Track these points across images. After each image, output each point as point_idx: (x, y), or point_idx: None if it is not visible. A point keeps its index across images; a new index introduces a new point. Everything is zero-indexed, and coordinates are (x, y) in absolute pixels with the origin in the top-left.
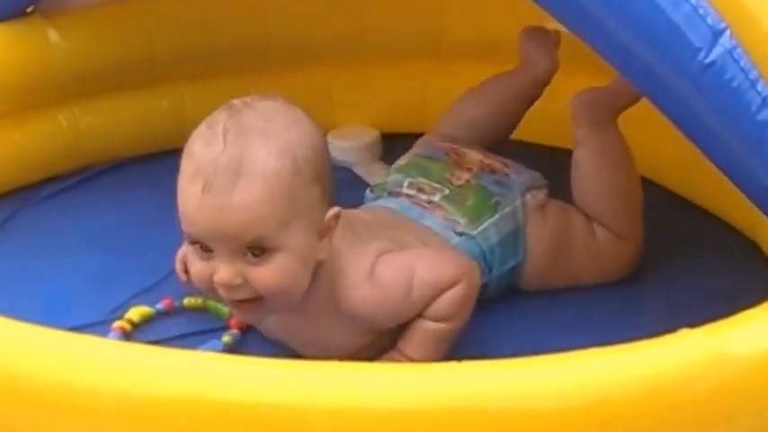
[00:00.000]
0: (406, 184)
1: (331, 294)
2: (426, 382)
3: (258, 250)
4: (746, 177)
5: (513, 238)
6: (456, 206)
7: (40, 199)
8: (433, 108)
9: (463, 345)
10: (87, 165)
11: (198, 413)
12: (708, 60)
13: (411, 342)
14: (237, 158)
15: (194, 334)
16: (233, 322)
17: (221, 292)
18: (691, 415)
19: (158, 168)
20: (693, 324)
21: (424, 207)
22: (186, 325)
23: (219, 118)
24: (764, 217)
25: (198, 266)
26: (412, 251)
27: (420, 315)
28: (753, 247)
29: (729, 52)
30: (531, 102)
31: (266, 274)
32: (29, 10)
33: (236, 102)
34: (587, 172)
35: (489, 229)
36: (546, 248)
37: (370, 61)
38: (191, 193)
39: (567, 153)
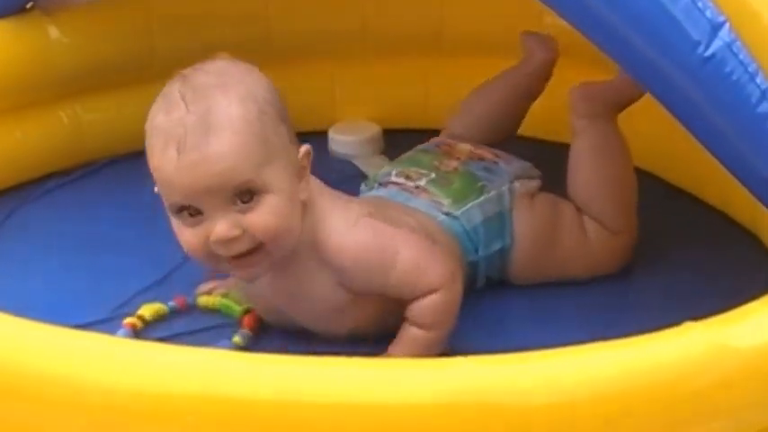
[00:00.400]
0: (394, 173)
1: (313, 243)
2: (430, 376)
3: (247, 195)
4: (746, 169)
5: (499, 222)
6: (441, 188)
7: (41, 195)
8: (435, 103)
9: (462, 338)
10: (88, 161)
11: (205, 410)
12: (707, 54)
13: (400, 348)
14: (203, 114)
15: (205, 329)
16: (246, 321)
17: (220, 250)
18: (694, 408)
19: None
20: (695, 317)
21: (411, 192)
22: (196, 323)
23: (173, 87)
24: (764, 209)
25: (189, 235)
26: (404, 232)
27: (405, 319)
28: (753, 239)
29: (728, 45)
30: (535, 95)
31: (261, 216)
32: (29, 6)
33: (185, 70)
34: (583, 163)
35: (473, 209)
36: (534, 236)
37: (372, 57)
38: (166, 160)
39: (566, 147)
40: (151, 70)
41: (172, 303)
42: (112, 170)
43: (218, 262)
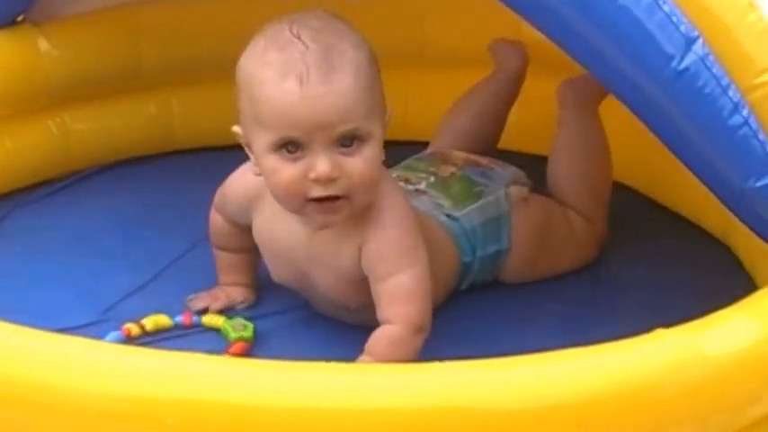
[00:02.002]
0: (393, 177)
1: (366, 210)
2: (407, 381)
3: (350, 140)
4: (719, 181)
5: (497, 225)
6: (440, 191)
7: (30, 202)
8: (415, 115)
9: (443, 344)
10: (77, 169)
11: (185, 413)
12: (681, 67)
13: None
14: (325, 51)
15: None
16: (233, 349)
17: (316, 189)
18: (666, 413)
19: (146, 172)
20: (668, 324)
21: (411, 194)
22: (185, 340)
23: (281, 27)
24: (736, 220)
25: (288, 171)
26: (425, 259)
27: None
28: (725, 250)
29: (702, 59)
30: (512, 101)
31: (360, 162)
32: (19, 19)
33: (281, 18)
34: (566, 153)
35: (472, 212)
36: (530, 237)
37: None
38: (286, 90)
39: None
40: (139, 81)
41: (178, 319)
42: (100, 178)
43: (302, 204)
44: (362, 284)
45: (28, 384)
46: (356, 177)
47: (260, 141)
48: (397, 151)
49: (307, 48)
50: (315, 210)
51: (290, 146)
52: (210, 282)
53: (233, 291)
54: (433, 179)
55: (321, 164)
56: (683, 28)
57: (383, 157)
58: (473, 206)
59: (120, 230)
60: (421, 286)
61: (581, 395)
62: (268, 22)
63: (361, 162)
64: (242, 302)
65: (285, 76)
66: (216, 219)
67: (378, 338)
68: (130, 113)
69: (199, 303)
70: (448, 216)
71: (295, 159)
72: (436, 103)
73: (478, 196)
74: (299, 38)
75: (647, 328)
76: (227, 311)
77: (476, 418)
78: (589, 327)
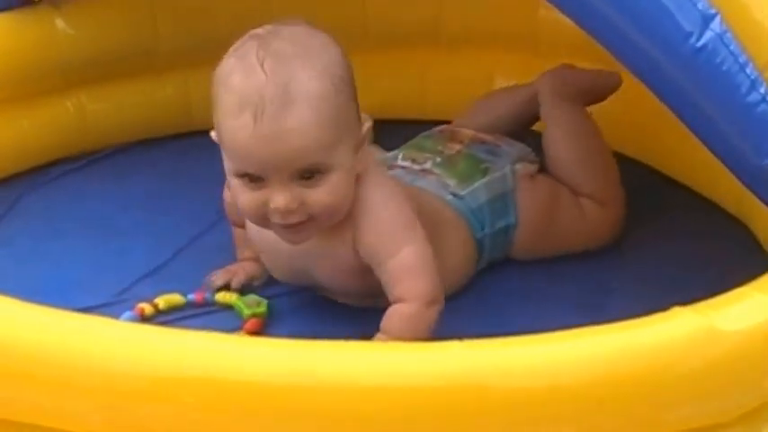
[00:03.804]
0: (400, 157)
1: (352, 201)
2: (425, 359)
3: (310, 173)
4: (736, 158)
5: (503, 201)
6: (446, 170)
7: (48, 181)
8: (433, 94)
9: (460, 323)
10: (93, 149)
11: (205, 392)
12: (699, 44)
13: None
14: (284, 85)
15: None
16: (247, 325)
17: (276, 218)
18: (683, 390)
19: (163, 153)
20: (684, 302)
21: (417, 174)
22: (201, 319)
23: (249, 48)
24: (752, 197)
25: (247, 197)
26: (423, 235)
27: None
28: (741, 227)
29: (720, 36)
30: (531, 122)
31: (322, 195)
32: None
33: (258, 31)
34: (559, 147)
35: (479, 189)
36: (537, 213)
37: (372, 49)
38: (240, 125)
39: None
40: (155, 61)
41: (190, 296)
42: (117, 158)
43: (267, 224)
44: (364, 273)
45: (45, 363)
46: (317, 208)
47: (226, 162)
48: (414, 129)
49: (266, 79)
50: (279, 231)
51: (249, 176)
52: (227, 262)
53: (250, 266)
54: (439, 159)
55: (278, 198)
56: (700, 5)
57: (359, 169)
58: (478, 183)
59: (136, 211)
60: (424, 260)
61: (600, 373)
62: (248, 33)
63: (323, 194)
64: (260, 278)
65: (242, 109)
66: (228, 195)
67: (392, 316)
68: (147, 93)
69: (219, 280)
70: (454, 195)
71: (256, 188)
72: (454, 81)
73: (484, 173)
74: (262, 66)
75: (662, 306)
76: (244, 288)
77: (494, 396)
78: (605, 305)
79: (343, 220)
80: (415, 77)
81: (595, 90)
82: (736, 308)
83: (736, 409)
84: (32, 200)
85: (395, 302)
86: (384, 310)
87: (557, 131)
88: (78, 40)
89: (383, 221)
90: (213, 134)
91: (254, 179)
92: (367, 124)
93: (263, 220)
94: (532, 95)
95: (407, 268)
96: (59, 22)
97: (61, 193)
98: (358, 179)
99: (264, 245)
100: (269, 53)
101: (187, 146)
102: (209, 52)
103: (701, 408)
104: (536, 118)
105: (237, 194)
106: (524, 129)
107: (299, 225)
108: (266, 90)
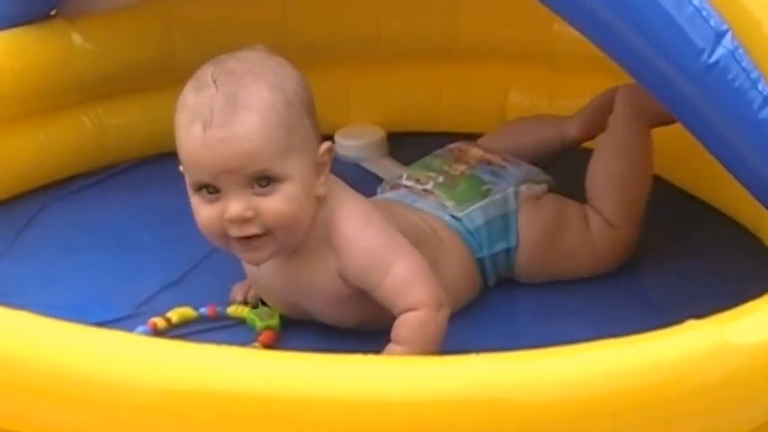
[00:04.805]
0: (405, 176)
1: (326, 231)
2: (442, 373)
3: (265, 181)
4: (749, 173)
5: (503, 223)
6: (445, 191)
7: (65, 196)
8: (447, 108)
9: (475, 337)
10: (110, 163)
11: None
12: (711, 61)
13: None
14: (232, 95)
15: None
16: (261, 337)
17: (232, 229)
18: (698, 404)
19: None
20: (699, 315)
21: (419, 194)
22: (215, 333)
23: (205, 70)
24: (766, 211)
25: (205, 212)
26: (409, 245)
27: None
28: (755, 241)
29: (732, 53)
30: (555, 155)
31: (276, 202)
32: (53, 13)
33: (219, 57)
34: (602, 155)
35: (475, 212)
36: (539, 237)
37: (386, 63)
38: (192, 136)
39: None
40: (172, 75)
41: (203, 310)
42: (134, 172)
43: (227, 242)
44: (353, 301)
45: (62, 378)
46: (271, 217)
47: (186, 181)
48: (428, 142)
49: (216, 90)
50: (238, 248)
51: (207, 188)
52: (244, 275)
53: None
54: (441, 179)
55: (232, 206)
56: (712, 22)
57: (320, 192)
58: (476, 206)
59: (154, 225)
60: (419, 268)
61: (615, 387)
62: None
63: (277, 202)
64: None
65: (193, 120)
66: None
67: (403, 325)
68: (164, 108)
69: (238, 295)
70: (452, 216)
71: (213, 201)
72: (468, 96)
73: (484, 195)
74: (214, 81)
75: (678, 319)
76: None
77: (510, 409)
78: (620, 318)
79: (323, 249)
80: (430, 91)
81: (665, 116)
82: (750, 321)
83: (750, 423)
84: (50, 214)
85: (402, 314)
86: (387, 329)
87: (610, 141)
88: (95, 56)
89: (365, 251)
90: (181, 168)
91: (210, 191)
92: (326, 145)
93: (222, 237)
94: (561, 128)
95: (405, 281)
96: (76, 38)
97: (79, 208)
98: (325, 203)
99: (255, 279)
100: (222, 71)
101: None
102: None
103: (715, 421)
104: (559, 151)
105: (197, 212)
106: (547, 160)
107: (255, 240)
108: (215, 100)
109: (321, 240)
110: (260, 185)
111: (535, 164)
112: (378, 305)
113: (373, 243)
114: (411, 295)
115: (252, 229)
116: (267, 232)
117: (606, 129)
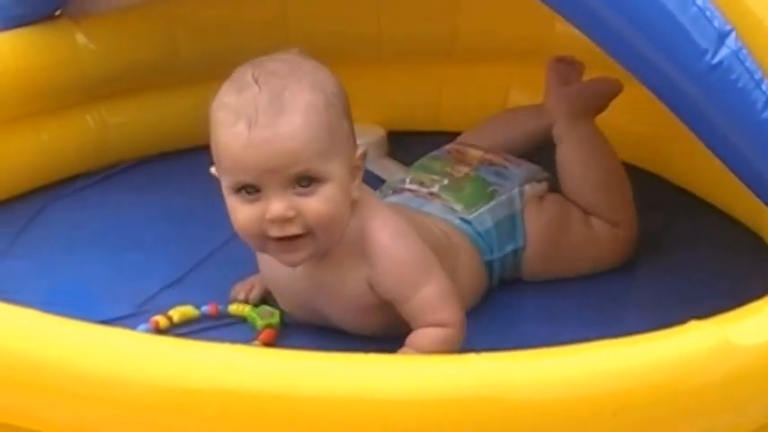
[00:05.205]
0: (408, 180)
1: (358, 239)
2: (444, 372)
3: (306, 181)
4: (750, 172)
5: (511, 224)
6: (453, 194)
7: (67, 195)
8: (448, 107)
9: (475, 336)
10: (114, 162)
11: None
12: (714, 61)
13: None
14: (276, 95)
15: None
16: (262, 336)
17: (273, 230)
18: (699, 403)
19: (182, 165)
20: (700, 316)
21: (425, 198)
22: (216, 331)
23: (244, 70)
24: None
25: (245, 212)
26: (438, 264)
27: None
28: (756, 240)
29: (735, 53)
30: (542, 145)
31: (317, 202)
32: (57, 13)
33: (255, 59)
34: (572, 168)
35: (484, 214)
36: (544, 235)
37: (386, 62)
38: (235, 134)
39: None
40: (175, 75)
41: (204, 308)
42: (137, 171)
43: (264, 243)
44: (376, 310)
45: (67, 375)
46: (313, 217)
47: (223, 183)
48: (428, 141)
49: (260, 90)
50: (276, 248)
51: (247, 188)
52: (246, 274)
53: None
54: (446, 181)
55: (274, 206)
56: (716, 22)
57: (355, 195)
58: (484, 208)
59: (156, 223)
60: (448, 289)
61: (616, 386)
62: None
63: (318, 203)
64: None
65: (237, 120)
66: None
67: (425, 336)
68: (167, 107)
69: (240, 294)
70: (461, 219)
71: (253, 201)
72: (469, 95)
73: (491, 197)
74: (256, 81)
75: (678, 318)
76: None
77: (511, 408)
78: (620, 318)
79: (354, 256)
80: (430, 90)
81: (603, 100)
82: (752, 321)
83: (751, 423)
84: (53, 212)
85: (431, 327)
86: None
87: (572, 150)
88: (99, 56)
89: (401, 264)
90: (213, 170)
91: (250, 191)
92: (361, 150)
93: (260, 238)
94: (543, 117)
95: (435, 301)
96: (80, 38)
97: (82, 206)
98: (357, 210)
99: (276, 281)
100: (263, 72)
101: (207, 159)
102: (228, 66)
103: (716, 421)
104: (546, 140)
105: (235, 213)
106: (534, 150)
107: (295, 241)
108: (259, 100)
109: (352, 246)
110: (301, 186)
111: (529, 153)
112: (398, 316)
113: (409, 258)
114: (440, 313)
115: (292, 230)
116: (307, 233)
117: (560, 145)
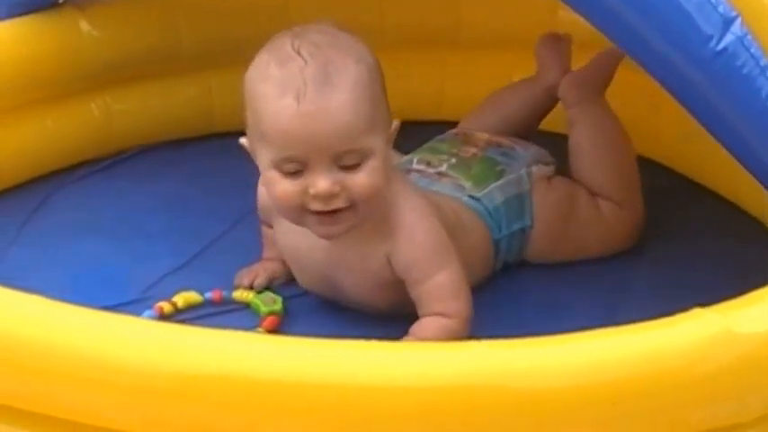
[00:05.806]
0: (415, 161)
1: (385, 214)
2: (445, 359)
3: (352, 155)
4: (756, 160)
5: (519, 203)
6: (461, 172)
7: (73, 181)
8: (451, 96)
9: (477, 324)
10: (118, 149)
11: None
12: (719, 47)
13: None
14: (323, 66)
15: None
16: (265, 322)
17: (316, 204)
18: (702, 392)
19: (186, 153)
20: (706, 303)
21: (432, 177)
22: (219, 317)
23: (283, 41)
24: None
25: (285, 185)
26: (456, 255)
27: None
28: (761, 229)
29: (740, 40)
30: (545, 112)
31: (364, 176)
32: (61, 1)
33: (289, 30)
34: (584, 148)
35: (493, 191)
36: (552, 216)
37: (389, 51)
38: (283, 107)
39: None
40: (179, 62)
41: (208, 295)
42: (141, 158)
43: (302, 215)
44: (392, 286)
45: (72, 361)
46: (358, 192)
47: (263, 156)
48: (432, 131)
49: (306, 63)
50: (315, 221)
51: (291, 162)
52: (250, 260)
53: (272, 266)
54: (454, 160)
55: (321, 182)
56: (721, 8)
57: (392, 164)
58: (494, 185)
59: (160, 211)
60: (461, 280)
61: (619, 374)
62: (274, 35)
63: (363, 177)
64: (280, 278)
65: (284, 92)
66: (263, 193)
67: (430, 325)
68: (171, 95)
69: (244, 280)
70: (470, 197)
71: (296, 174)
72: (472, 83)
73: (500, 175)
74: (299, 53)
75: (682, 307)
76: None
77: (512, 396)
78: (624, 306)
79: (377, 232)
80: (433, 79)
81: (608, 74)
82: (756, 309)
83: (754, 411)
84: (58, 200)
85: (436, 316)
86: (406, 315)
87: (586, 130)
88: (102, 43)
89: (422, 244)
90: (243, 140)
91: (294, 167)
92: (396, 123)
93: (299, 212)
94: (537, 91)
95: (447, 289)
96: (84, 25)
97: (86, 194)
98: (389, 186)
99: (295, 253)
100: (304, 42)
101: (210, 147)
102: (232, 54)
103: (720, 409)
104: (544, 113)
105: (274, 185)
106: (534, 125)
107: (337, 214)
108: (307, 72)
109: (376, 220)
110: (347, 159)
111: (531, 122)
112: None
113: (429, 241)
114: (449, 303)
115: (337, 203)
116: (351, 206)
117: (573, 128)
